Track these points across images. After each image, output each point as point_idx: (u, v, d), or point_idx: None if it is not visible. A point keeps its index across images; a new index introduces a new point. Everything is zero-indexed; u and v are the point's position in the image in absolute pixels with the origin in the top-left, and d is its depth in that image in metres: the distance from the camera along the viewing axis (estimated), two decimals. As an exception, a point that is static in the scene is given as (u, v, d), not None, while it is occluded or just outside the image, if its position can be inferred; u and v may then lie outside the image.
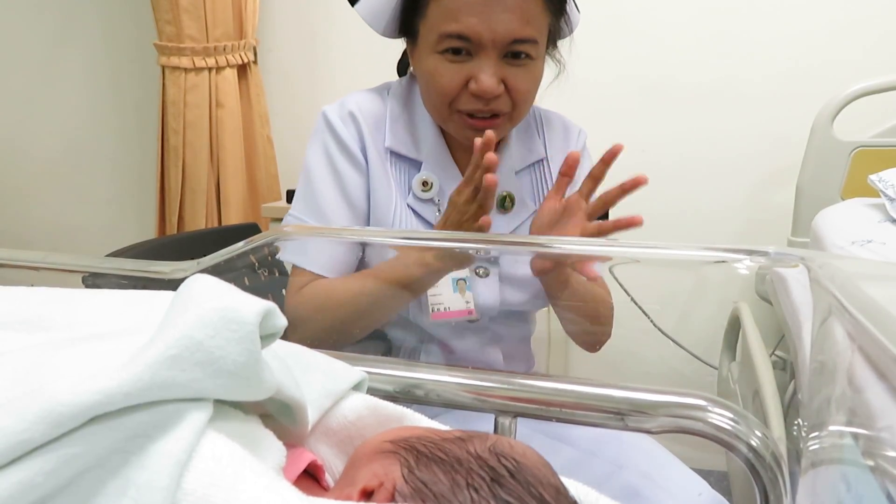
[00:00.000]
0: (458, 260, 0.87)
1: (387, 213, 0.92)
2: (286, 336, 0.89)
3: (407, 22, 0.91)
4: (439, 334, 0.97)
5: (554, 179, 0.98)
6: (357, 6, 0.92)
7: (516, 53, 0.84)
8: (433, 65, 0.86)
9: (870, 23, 1.72)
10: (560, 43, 0.96)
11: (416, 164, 0.95)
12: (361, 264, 0.94)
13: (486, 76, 0.83)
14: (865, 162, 1.50)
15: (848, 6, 1.72)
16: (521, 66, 0.86)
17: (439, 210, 0.94)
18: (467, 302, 0.93)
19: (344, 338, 0.93)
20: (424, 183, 0.93)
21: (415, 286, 0.89)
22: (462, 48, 0.84)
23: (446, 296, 0.92)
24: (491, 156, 0.77)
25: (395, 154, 0.95)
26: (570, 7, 0.91)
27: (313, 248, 0.92)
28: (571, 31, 0.95)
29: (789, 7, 1.76)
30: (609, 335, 1.00)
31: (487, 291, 0.95)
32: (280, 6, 2.09)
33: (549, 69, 0.95)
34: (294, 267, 0.92)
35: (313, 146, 0.95)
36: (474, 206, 0.81)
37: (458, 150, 0.96)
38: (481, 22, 0.81)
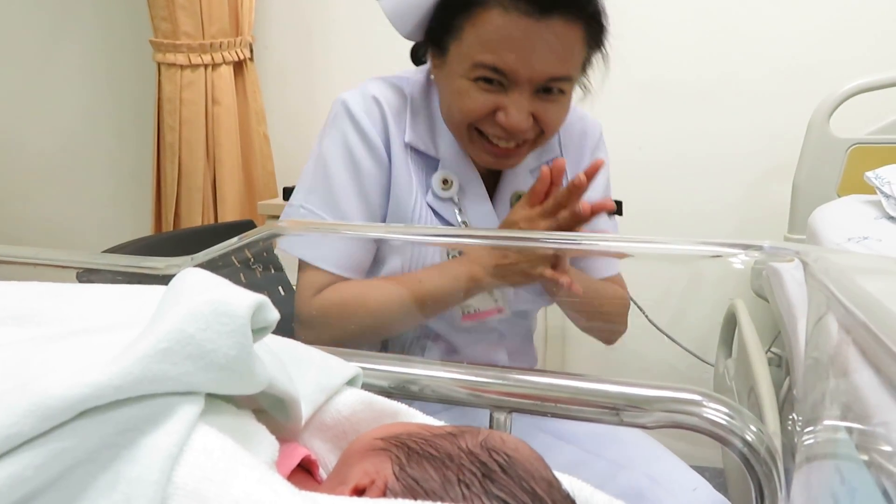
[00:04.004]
0: (504, 274, 0.85)
1: (406, 210, 0.90)
2: (301, 335, 0.89)
3: (436, 36, 0.86)
4: (444, 335, 0.96)
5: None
6: (382, 1, 0.87)
7: (549, 88, 0.82)
8: (463, 87, 0.82)
9: (866, 20, 1.72)
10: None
11: (433, 162, 0.92)
12: (376, 261, 0.92)
13: (517, 111, 0.81)
14: (862, 159, 1.50)
15: (845, 4, 1.73)
16: (553, 101, 0.83)
17: (459, 209, 0.92)
18: (496, 300, 0.92)
19: (369, 340, 0.92)
20: (444, 181, 0.91)
21: (458, 298, 0.87)
22: (494, 79, 0.80)
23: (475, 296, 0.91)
24: (586, 209, 0.78)
25: (413, 149, 0.91)
26: (604, 40, 0.87)
27: (327, 244, 0.89)
28: (600, 57, 0.90)
29: (786, 5, 1.76)
30: (624, 329, 0.99)
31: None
32: (276, 3, 2.09)
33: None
34: (305, 264, 0.88)
35: (330, 135, 0.90)
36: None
37: None
38: (520, 59, 0.78)
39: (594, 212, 0.79)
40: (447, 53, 0.84)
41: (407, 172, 0.90)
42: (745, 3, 1.78)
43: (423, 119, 0.92)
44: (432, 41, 0.87)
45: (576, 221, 0.81)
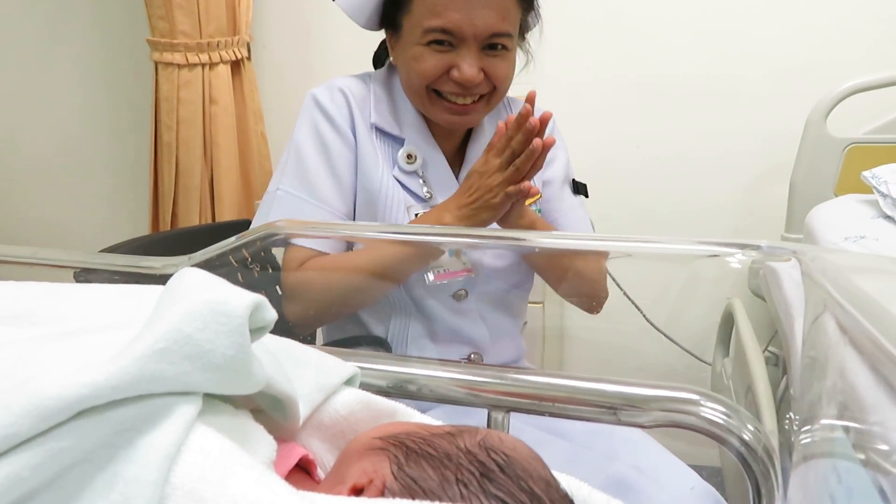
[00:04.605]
0: (472, 213, 0.92)
1: (374, 184, 0.97)
2: (288, 309, 0.94)
3: (389, 16, 0.97)
4: (427, 311, 1.00)
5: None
6: (338, 0, 0.97)
7: (493, 45, 0.92)
8: (418, 52, 0.92)
9: (864, 20, 1.72)
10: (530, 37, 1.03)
11: (399, 141, 1.01)
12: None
13: (468, 66, 0.91)
14: (859, 158, 1.51)
15: (842, 4, 1.73)
16: (498, 57, 0.93)
17: (424, 181, 1.00)
18: (464, 263, 1.00)
19: (355, 303, 0.99)
20: (409, 156, 1.00)
21: (434, 249, 0.94)
22: (445, 40, 0.91)
23: (444, 258, 0.98)
24: (534, 120, 0.83)
25: (379, 130, 1.00)
26: (536, 4, 0.99)
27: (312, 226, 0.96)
28: (536, 25, 1.03)
29: (784, 4, 1.76)
30: (605, 293, 1.06)
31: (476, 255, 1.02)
32: (274, 2, 2.09)
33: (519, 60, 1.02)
34: (291, 245, 0.95)
35: (301, 124, 1.00)
36: (509, 171, 0.86)
37: (438, 128, 1.02)
38: (463, 18, 0.89)
39: (545, 147, 0.85)
40: (401, 29, 0.95)
41: (373, 150, 0.99)
42: (743, 3, 1.78)
43: (386, 103, 1.02)
44: (387, 23, 0.99)
45: (531, 162, 0.86)
